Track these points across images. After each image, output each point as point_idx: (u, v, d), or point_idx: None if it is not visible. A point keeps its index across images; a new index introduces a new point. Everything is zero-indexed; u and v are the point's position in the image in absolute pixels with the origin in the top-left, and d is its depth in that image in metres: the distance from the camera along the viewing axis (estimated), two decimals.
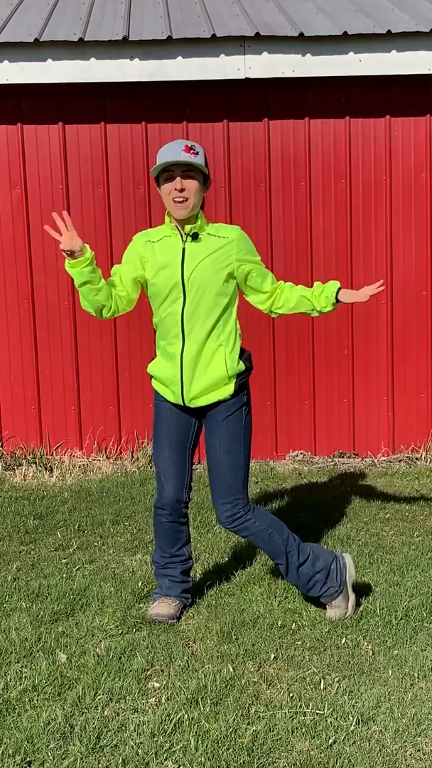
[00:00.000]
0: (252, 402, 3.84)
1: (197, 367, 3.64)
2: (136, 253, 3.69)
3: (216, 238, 3.63)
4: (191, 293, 3.59)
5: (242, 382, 3.71)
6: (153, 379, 3.83)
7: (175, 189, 3.53)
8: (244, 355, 3.73)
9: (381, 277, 6.26)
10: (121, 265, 3.73)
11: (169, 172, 3.55)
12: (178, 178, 3.53)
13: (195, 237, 3.60)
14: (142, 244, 3.68)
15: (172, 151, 3.55)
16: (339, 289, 3.71)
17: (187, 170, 3.54)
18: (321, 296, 3.71)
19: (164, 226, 3.69)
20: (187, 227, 3.61)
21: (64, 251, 3.54)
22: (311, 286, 3.81)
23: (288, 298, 3.75)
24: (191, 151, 3.54)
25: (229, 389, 3.67)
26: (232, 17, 6.19)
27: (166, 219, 3.67)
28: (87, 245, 3.59)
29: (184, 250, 3.60)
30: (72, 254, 3.53)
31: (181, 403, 3.71)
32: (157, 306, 3.69)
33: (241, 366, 3.70)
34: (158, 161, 3.57)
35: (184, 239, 3.61)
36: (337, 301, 3.71)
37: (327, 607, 3.79)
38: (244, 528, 3.69)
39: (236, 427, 3.70)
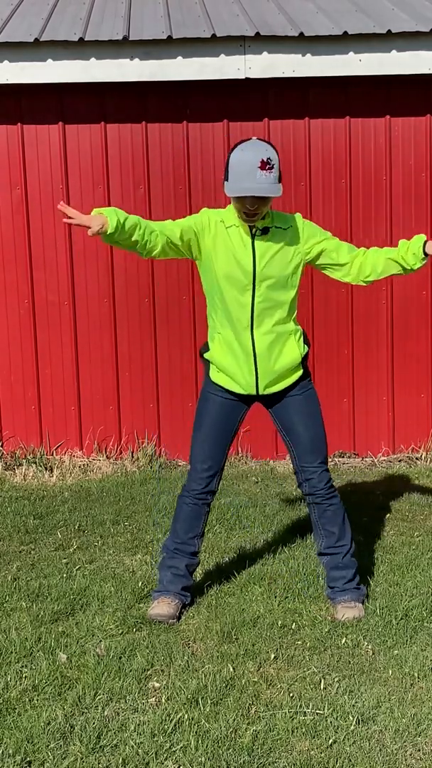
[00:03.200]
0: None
1: (271, 356, 3.67)
2: (201, 224, 3.60)
3: (282, 231, 3.63)
4: (262, 287, 3.60)
5: (306, 362, 3.81)
6: (213, 370, 3.77)
7: (247, 206, 3.50)
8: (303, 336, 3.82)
9: None
10: (182, 221, 3.64)
11: None
12: (250, 200, 3.47)
13: (266, 232, 3.60)
14: (216, 222, 3.61)
15: (247, 175, 3.43)
16: (425, 242, 3.64)
17: None
18: (408, 253, 3.65)
19: (232, 214, 3.61)
20: (259, 222, 3.59)
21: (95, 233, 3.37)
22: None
23: (375, 263, 3.70)
24: (267, 167, 3.44)
25: (299, 372, 3.76)
26: (232, 17, 6.19)
27: (234, 211, 3.60)
28: (107, 216, 3.35)
29: (253, 244, 3.59)
30: (101, 229, 3.34)
31: (253, 393, 3.71)
32: (223, 293, 3.64)
33: (305, 348, 3.79)
34: (233, 177, 3.46)
35: (254, 232, 3.60)
36: (426, 255, 3.62)
37: (348, 605, 3.79)
38: (336, 496, 3.87)
39: (314, 399, 3.81)
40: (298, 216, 3.72)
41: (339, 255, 3.70)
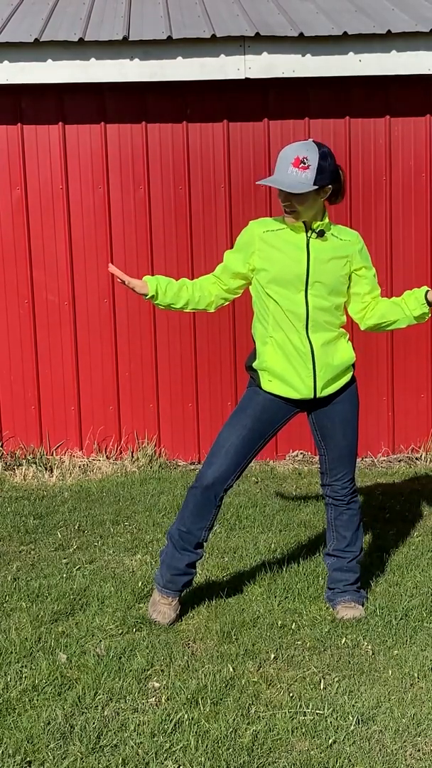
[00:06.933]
0: None
1: (328, 352, 3.66)
2: (251, 240, 3.65)
3: (339, 240, 3.65)
4: (315, 288, 3.60)
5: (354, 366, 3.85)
6: (264, 379, 3.71)
7: (280, 200, 3.56)
8: None
9: (380, 277, 6.25)
10: (232, 253, 3.72)
11: None
12: (284, 194, 3.52)
13: (321, 234, 3.61)
14: (261, 233, 3.65)
15: (279, 167, 3.51)
16: (428, 291, 3.69)
17: None
18: (410, 298, 3.69)
19: (284, 218, 3.66)
20: (315, 224, 3.61)
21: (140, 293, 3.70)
22: None
23: (378, 306, 3.74)
24: (301, 165, 3.47)
25: (350, 372, 3.78)
26: (232, 17, 6.19)
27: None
28: (148, 282, 3.67)
29: (308, 245, 3.61)
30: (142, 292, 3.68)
31: (311, 396, 3.68)
32: (275, 296, 3.64)
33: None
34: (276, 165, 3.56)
35: (309, 234, 3.61)
36: (429, 303, 3.67)
37: (348, 604, 3.80)
38: (356, 502, 3.89)
39: (357, 407, 3.83)
40: (358, 234, 3.74)
41: (366, 292, 3.73)
